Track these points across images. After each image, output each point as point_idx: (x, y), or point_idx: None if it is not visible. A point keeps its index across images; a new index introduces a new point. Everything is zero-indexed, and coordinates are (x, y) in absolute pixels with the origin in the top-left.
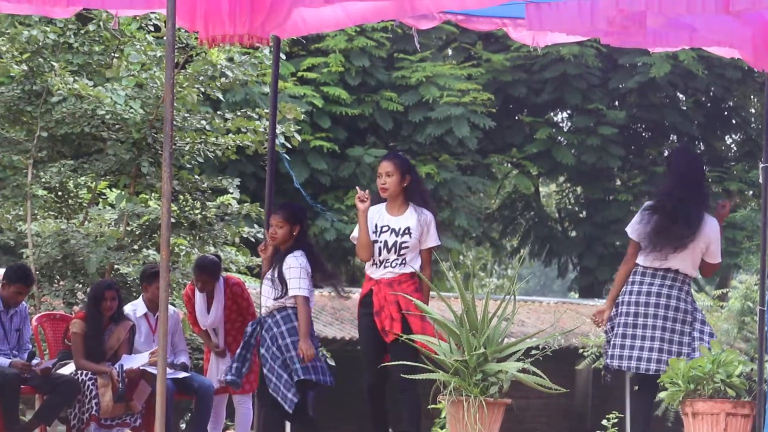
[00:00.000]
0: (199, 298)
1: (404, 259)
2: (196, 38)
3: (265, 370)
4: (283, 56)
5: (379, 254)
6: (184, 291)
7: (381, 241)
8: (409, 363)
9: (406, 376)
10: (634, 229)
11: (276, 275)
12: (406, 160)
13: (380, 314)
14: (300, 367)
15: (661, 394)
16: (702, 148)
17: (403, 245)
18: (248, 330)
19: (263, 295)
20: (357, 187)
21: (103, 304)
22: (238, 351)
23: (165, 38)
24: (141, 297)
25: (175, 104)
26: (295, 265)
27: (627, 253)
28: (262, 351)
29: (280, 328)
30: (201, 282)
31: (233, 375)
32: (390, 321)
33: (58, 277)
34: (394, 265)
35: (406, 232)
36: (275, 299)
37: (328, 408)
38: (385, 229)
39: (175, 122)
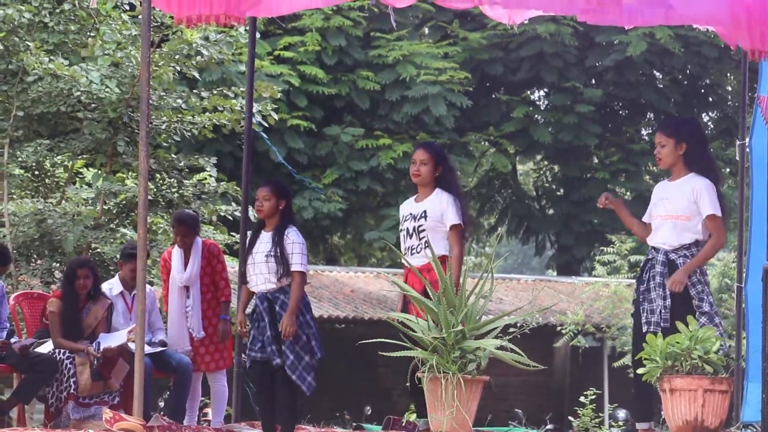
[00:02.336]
0: (176, 254)
1: (426, 242)
2: (171, 17)
3: (283, 347)
4: (259, 35)
5: (405, 242)
6: (161, 257)
7: (404, 229)
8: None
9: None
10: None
11: (278, 252)
12: (441, 150)
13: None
14: (316, 346)
15: (639, 371)
16: None
17: (420, 228)
18: (260, 307)
19: (258, 273)
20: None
21: (76, 282)
22: (268, 334)
23: (140, 17)
24: (117, 276)
25: (151, 83)
26: (298, 240)
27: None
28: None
29: None
30: (180, 236)
31: (279, 357)
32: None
33: (35, 256)
34: (419, 249)
35: (422, 215)
36: (280, 277)
37: None
38: (407, 217)
39: (151, 101)
